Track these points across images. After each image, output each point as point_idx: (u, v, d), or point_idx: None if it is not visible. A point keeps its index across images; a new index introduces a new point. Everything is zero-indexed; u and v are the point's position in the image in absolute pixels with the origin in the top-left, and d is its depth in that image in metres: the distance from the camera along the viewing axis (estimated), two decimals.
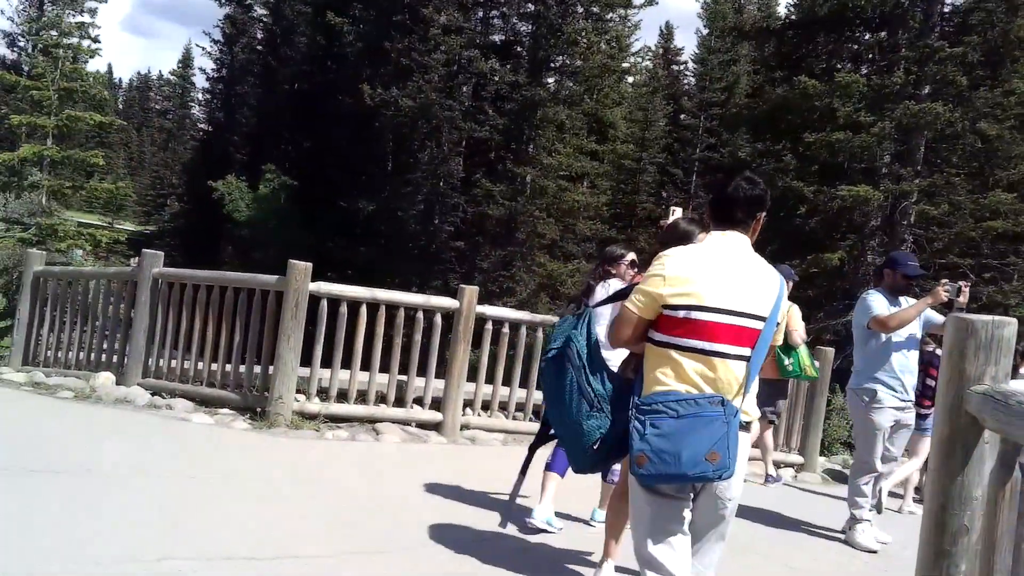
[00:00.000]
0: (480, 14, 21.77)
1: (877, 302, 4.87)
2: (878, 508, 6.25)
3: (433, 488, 4.65)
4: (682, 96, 34.81)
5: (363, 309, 6.07)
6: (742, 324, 2.26)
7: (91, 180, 26.31)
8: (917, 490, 6.71)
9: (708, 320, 2.24)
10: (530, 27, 21.51)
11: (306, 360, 6.01)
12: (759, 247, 2.49)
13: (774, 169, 15.82)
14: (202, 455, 4.88)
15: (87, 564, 2.87)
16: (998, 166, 15.44)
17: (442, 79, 19.67)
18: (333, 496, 4.34)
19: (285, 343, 5.78)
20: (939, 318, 5.09)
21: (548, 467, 4.17)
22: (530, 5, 21.23)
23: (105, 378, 6.45)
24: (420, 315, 6.32)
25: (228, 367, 6.21)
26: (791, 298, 5.45)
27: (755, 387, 2.38)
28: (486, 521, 4.13)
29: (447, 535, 3.81)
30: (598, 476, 3.99)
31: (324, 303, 6.01)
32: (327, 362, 6.09)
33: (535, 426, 6.95)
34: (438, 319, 6.37)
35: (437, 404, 6.43)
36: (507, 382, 6.90)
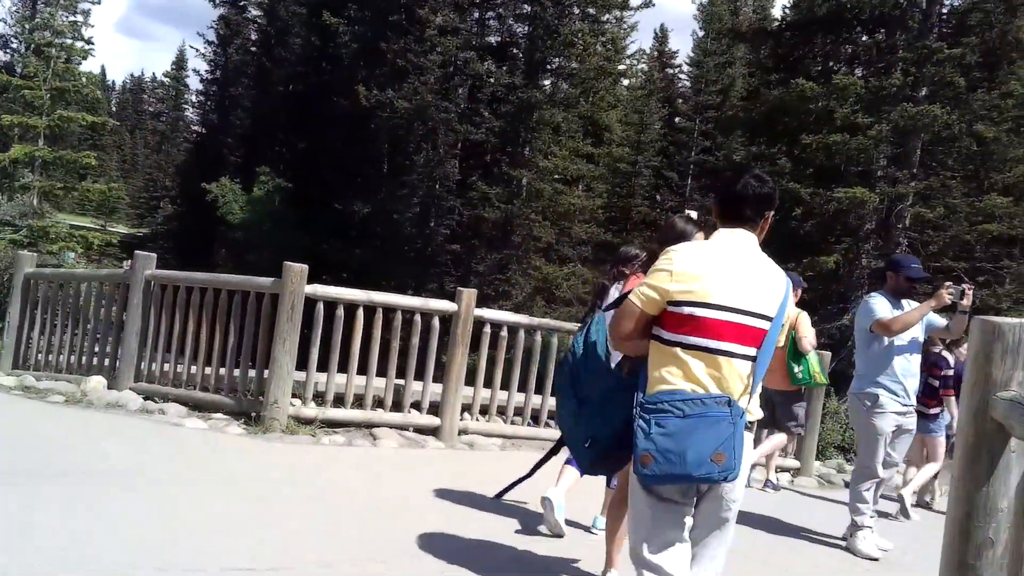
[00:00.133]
0: (476, 15, 21.71)
1: (880, 305, 4.82)
2: (905, 514, 6.24)
3: (431, 494, 4.57)
4: (677, 99, 34.83)
5: (360, 312, 5.98)
6: (749, 323, 2.24)
7: (83, 182, 26.15)
8: (915, 493, 6.69)
9: (715, 318, 2.21)
10: (526, 28, 21.46)
11: (302, 364, 5.92)
12: None
13: (769, 172, 15.74)
14: (197, 461, 4.79)
15: None
16: (994, 169, 15.44)
17: (438, 81, 19.60)
18: (330, 503, 4.26)
19: (280, 346, 5.70)
20: (941, 321, 5.06)
21: (567, 462, 4.10)
22: (526, 6, 21.19)
23: (96, 382, 6.35)
24: (418, 318, 6.24)
25: (222, 371, 6.12)
26: (800, 305, 5.42)
27: (759, 388, 2.33)
28: (485, 528, 4.06)
29: (445, 542, 3.73)
30: (603, 482, 3.93)
31: (320, 306, 5.92)
32: (323, 366, 6.00)
33: (534, 431, 6.90)
34: (436, 322, 6.30)
35: (435, 409, 6.35)
36: (506, 386, 6.82)
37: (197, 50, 38.16)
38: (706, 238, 2.72)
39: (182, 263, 26.04)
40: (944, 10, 16.42)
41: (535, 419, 7.02)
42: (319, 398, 6.07)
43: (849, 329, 13.67)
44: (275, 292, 5.81)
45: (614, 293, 3.82)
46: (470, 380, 6.58)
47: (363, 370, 6.09)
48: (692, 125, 32.48)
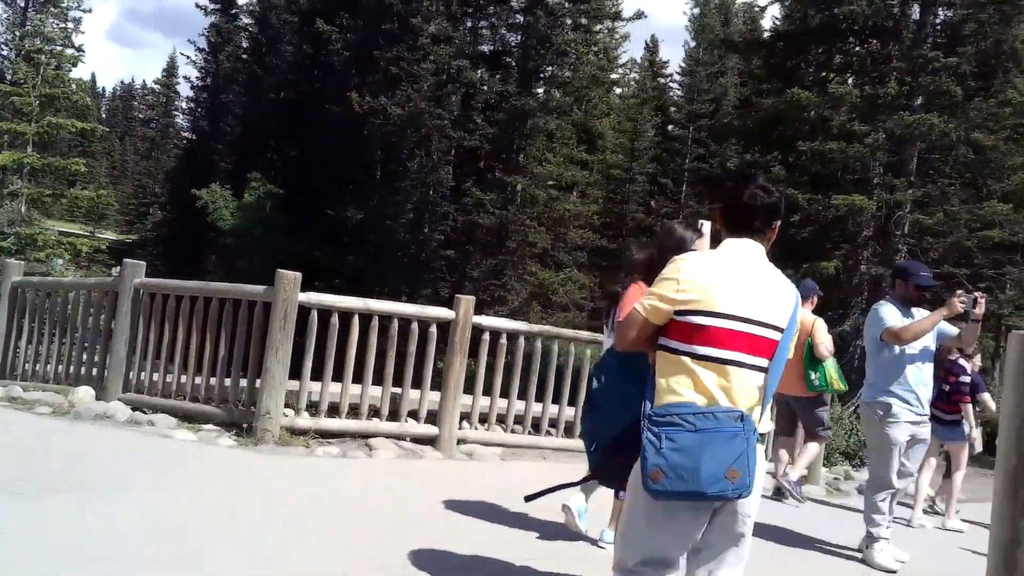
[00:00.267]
0: (469, 24, 21.70)
1: (889, 313, 4.72)
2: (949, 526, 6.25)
3: (428, 506, 4.43)
4: (670, 107, 34.90)
5: (355, 320, 5.83)
6: (759, 333, 2.18)
7: (72, 188, 25.88)
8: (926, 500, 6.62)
9: (723, 327, 2.15)
10: (519, 38, 21.47)
11: (295, 373, 5.75)
12: None
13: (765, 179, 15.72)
14: (185, 474, 4.62)
15: None
16: (992, 177, 15.42)
17: (431, 88, 19.53)
18: (322, 516, 4.10)
19: (273, 356, 5.54)
20: (953, 330, 4.96)
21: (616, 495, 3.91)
22: (519, 16, 21.20)
23: (84, 393, 6.17)
24: (415, 326, 6.10)
25: (213, 381, 5.96)
26: (816, 312, 5.31)
27: (770, 400, 2.27)
28: (487, 539, 3.93)
29: (442, 556, 3.61)
30: (611, 495, 3.80)
31: (314, 314, 5.77)
32: (317, 375, 5.84)
33: (535, 439, 6.75)
34: (433, 330, 6.15)
35: (433, 418, 6.19)
36: (505, 394, 6.67)
37: (188, 57, 37.96)
38: (712, 247, 2.66)
39: (172, 269, 25.83)
40: (938, 20, 16.44)
41: (536, 427, 6.87)
42: (313, 408, 5.91)
43: (849, 335, 13.62)
44: (267, 300, 5.66)
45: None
46: (469, 388, 6.42)
47: (358, 379, 5.94)
48: (685, 133, 32.55)
